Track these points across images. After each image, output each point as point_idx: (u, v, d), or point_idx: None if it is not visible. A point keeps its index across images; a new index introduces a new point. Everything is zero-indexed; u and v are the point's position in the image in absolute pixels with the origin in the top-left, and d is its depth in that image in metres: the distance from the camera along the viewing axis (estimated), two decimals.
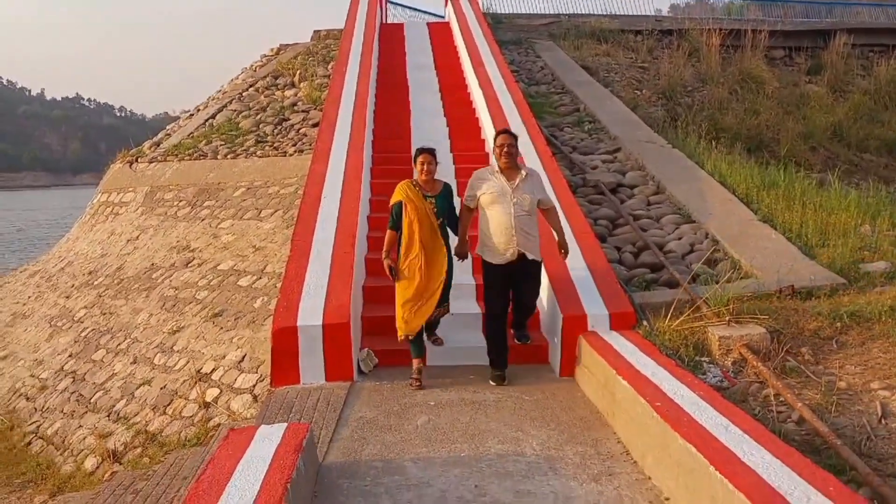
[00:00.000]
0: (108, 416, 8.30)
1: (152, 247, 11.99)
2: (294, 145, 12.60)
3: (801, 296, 6.07)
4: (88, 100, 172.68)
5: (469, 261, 6.35)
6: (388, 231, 5.97)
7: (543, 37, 18.54)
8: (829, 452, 3.82)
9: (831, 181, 9.27)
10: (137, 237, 12.77)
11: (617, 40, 18.50)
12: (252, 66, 18.56)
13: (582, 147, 11.58)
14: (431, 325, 6.28)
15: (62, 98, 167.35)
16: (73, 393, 9.26)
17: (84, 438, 8.18)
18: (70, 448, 8.23)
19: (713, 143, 11.64)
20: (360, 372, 6.31)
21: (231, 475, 3.75)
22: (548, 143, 10.47)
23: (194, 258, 10.76)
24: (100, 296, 11.50)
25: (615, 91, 14.85)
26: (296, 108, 14.29)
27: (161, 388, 8.06)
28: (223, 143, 13.81)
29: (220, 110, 15.62)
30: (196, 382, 7.70)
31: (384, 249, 5.94)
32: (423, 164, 5.91)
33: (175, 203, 12.88)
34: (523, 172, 5.87)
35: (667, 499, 3.76)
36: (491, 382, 5.88)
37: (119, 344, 9.70)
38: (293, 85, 15.63)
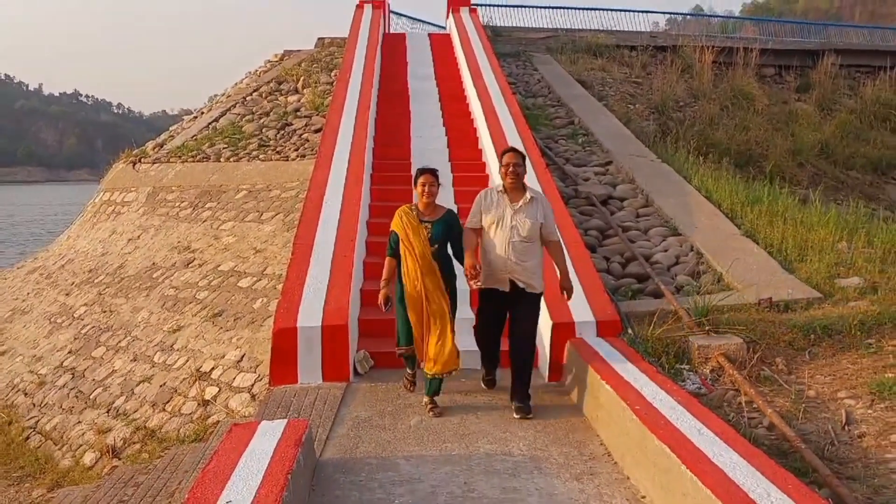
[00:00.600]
0: (108, 412, 8.50)
1: (153, 246, 12.22)
2: (296, 150, 12.88)
3: (779, 308, 6.37)
4: (87, 96, 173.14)
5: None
6: (387, 259, 5.68)
7: (541, 50, 18.88)
8: (795, 456, 4.10)
9: (813, 198, 9.55)
10: (139, 237, 12.99)
11: (612, 55, 18.85)
12: (256, 71, 18.85)
13: (575, 159, 11.88)
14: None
15: (60, 94, 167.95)
16: (72, 389, 9.44)
17: (83, 434, 8.38)
18: (69, 443, 8.42)
19: (702, 158, 11.94)
20: (357, 373, 6.57)
21: (235, 466, 4.00)
22: (542, 155, 10.78)
23: (195, 259, 10.99)
24: (100, 294, 11.71)
25: (609, 105, 15.17)
26: (298, 113, 14.56)
27: (161, 386, 8.28)
28: (226, 146, 14.07)
29: (223, 114, 15.89)
30: (195, 381, 7.93)
31: (383, 277, 5.65)
32: (424, 185, 5.52)
33: (177, 204, 13.11)
34: (528, 195, 5.46)
35: (643, 496, 4.03)
36: (483, 385, 5.98)
37: (119, 342, 9.91)
38: (296, 91, 15.92)
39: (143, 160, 15.48)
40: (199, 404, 7.47)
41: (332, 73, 16.08)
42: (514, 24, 22.38)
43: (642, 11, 24.48)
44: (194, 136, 15.48)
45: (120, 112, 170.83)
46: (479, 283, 5.48)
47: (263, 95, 16.20)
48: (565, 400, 5.79)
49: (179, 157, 14.63)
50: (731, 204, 9.07)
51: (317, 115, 14.10)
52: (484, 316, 5.74)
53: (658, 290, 7.20)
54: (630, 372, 5.07)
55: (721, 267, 7.50)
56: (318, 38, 19.54)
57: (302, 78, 16.36)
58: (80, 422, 8.61)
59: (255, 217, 11.39)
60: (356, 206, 8.48)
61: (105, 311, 11.04)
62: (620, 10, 24.13)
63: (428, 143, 11.35)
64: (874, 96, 19.15)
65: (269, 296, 8.95)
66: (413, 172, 10.42)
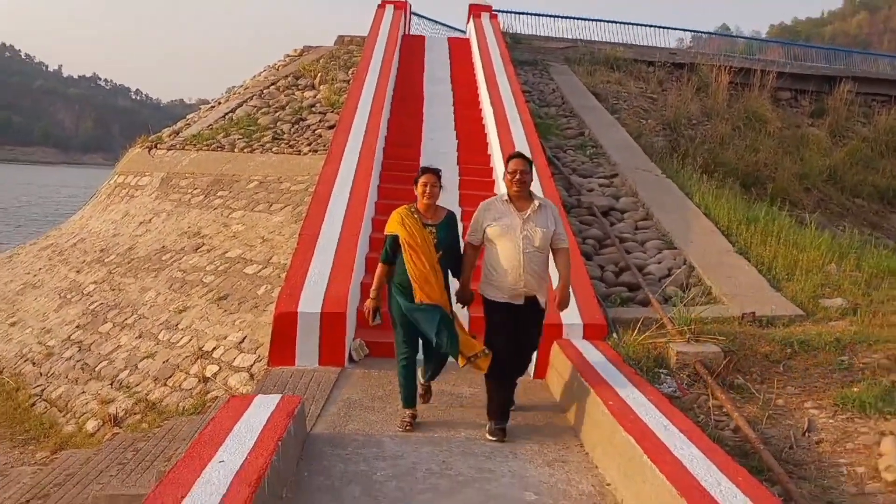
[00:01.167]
0: (111, 384, 8.82)
1: (164, 230, 12.54)
2: (309, 145, 13.17)
3: (761, 323, 6.62)
4: (105, 80, 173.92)
5: None
6: (380, 265, 5.26)
7: (559, 60, 19.10)
8: (754, 456, 4.35)
9: (809, 221, 9.77)
10: (150, 220, 13.32)
11: (629, 69, 19.05)
12: (275, 64, 19.17)
13: (582, 170, 12.12)
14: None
15: (79, 76, 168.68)
16: (78, 361, 9.77)
17: (87, 403, 8.70)
18: (73, 411, 8.75)
19: (708, 176, 12.15)
20: (352, 360, 6.83)
21: (230, 432, 4.26)
22: (549, 164, 11.03)
23: (204, 244, 11.30)
24: (110, 272, 12.04)
25: (621, 119, 15.39)
26: (314, 109, 14.86)
27: (164, 362, 8.59)
28: (241, 136, 14.38)
29: (240, 105, 16.21)
30: (197, 359, 8.23)
31: (373, 286, 5.27)
32: (425, 185, 5.13)
33: (189, 190, 13.43)
34: (536, 203, 5.09)
35: (608, 483, 4.28)
36: (489, 437, 5.03)
37: (126, 319, 10.22)
38: (313, 87, 16.22)
39: (158, 146, 15.83)
40: (199, 381, 7.77)
41: (350, 71, 16.37)
42: (534, 33, 22.57)
43: (663, 27, 24.48)
44: (210, 125, 15.82)
45: (138, 98, 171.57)
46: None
47: (280, 89, 16.51)
48: (547, 396, 6.04)
49: (195, 145, 14.96)
50: (728, 222, 9.31)
51: (332, 111, 14.38)
52: (499, 334, 5.12)
53: (647, 299, 7.45)
54: (609, 372, 5.32)
55: (711, 281, 7.74)
56: (339, 36, 19.83)
57: (319, 74, 16.66)
58: (84, 392, 8.92)
59: (265, 207, 11.68)
60: (363, 203, 8.75)
61: (114, 290, 11.36)
62: (641, 25, 24.20)
63: (439, 146, 11.61)
64: (888, 125, 19.25)
65: (273, 283, 9.24)
66: None
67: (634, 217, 10.03)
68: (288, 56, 19.52)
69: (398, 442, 4.91)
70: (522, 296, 5.02)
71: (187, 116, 18.54)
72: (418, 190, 5.20)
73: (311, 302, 6.78)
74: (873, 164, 17.80)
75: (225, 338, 8.39)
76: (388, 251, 5.20)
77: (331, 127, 13.48)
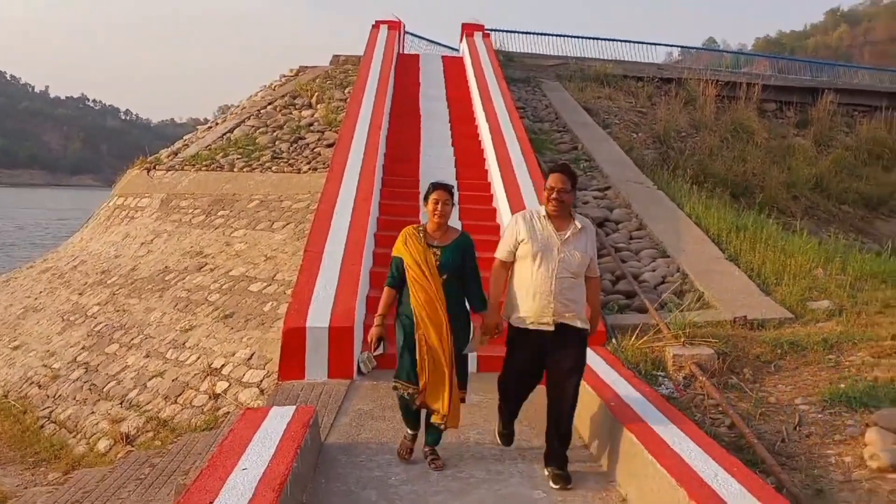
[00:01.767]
0: (121, 403, 8.97)
1: (166, 250, 12.74)
2: (308, 163, 13.43)
3: (752, 326, 6.91)
4: (94, 101, 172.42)
5: None
6: (386, 289, 4.91)
7: (551, 77, 19.46)
8: (749, 450, 4.60)
9: (796, 228, 10.08)
10: (152, 241, 13.52)
11: (619, 85, 19.43)
12: (271, 84, 19.47)
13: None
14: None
15: (66, 97, 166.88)
16: (85, 382, 9.91)
17: (97, 423, 8.84)
18: (82, 431, 8.89)
19: (698, 187, 12.47)
20: (360, 372, 7.05)
21: (249, 441, 4.48)
22: (545, 177, 11.30)
23: (207, 263, 11.51)
24: (113, 294, 12.21)
25: (613, 133, 15.71)
26: (311, 128, 15.13)
27: (173, 380, 8.77)
28: (240, 156, 14.64)
29: (238, 125, 16.48)
30: (206, 376, 8.43)
31: (379, 312, 4.87)
32: (436, 203, 4.71)
33: (190, 211, 13.65)
34: (577, 224, 4.60)
35: (611, 481, 4.52)
36: (498, 440, 5.07)
37: (132, 339, 10.40)
38: (310, 106, 16.50)
39: (157, 167, 16.07)
40: (209, 397, 7.96)
41: (346, 90, 16.67)
42: (526, 51, 22.91)
43: (650, 43, 24.90)
44: (208, 145, 16.07)
45: (127, 118, 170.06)
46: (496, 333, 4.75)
47: (278, 109, 16.79)
48: None
49: (193, 165, 15.19)
50: (718, 230, 9.62)
51: (329, 130, 14.67)
52: (517, 362, 4.73)
53: (643, 306, 7.71)
54: (609, 374, 5.57)
55: (703, 287, 8.01)
56: (334, 55, 20.16)
57: (316, 93, 16.95)
58: (93, 412, 9.07)
59: (267, 226, 11.91)
60: (365, 219, 9.01)
61: (118, 311, 11.53)
62: (629, 42, 24.62)
63: (437, 162, 11.89)
64: (869, 135, 19.75)
65: (278, 300, 9.45)
66: (421, 189, 10.99)
67: (628, 228, 10.31)
68: (284, 76, 19.83)
69: None
70: (551, 322, 4.48)
71: (185, 137, 18.78)
72: (429, 208, 4.77)
73: (319, 317, 7.01)
74: (857, 172, 18.22)
75: (233, 354, 8.59)
76: (395, 274, 4.83)
77: (329, 145, 13.75)
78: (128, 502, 5.42)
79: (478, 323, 4.80)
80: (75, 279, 13.96)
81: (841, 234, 13.99)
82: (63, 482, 7.42)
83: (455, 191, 4.93)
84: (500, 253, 4.74)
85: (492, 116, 13.17)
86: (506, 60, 19.45)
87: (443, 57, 20.13)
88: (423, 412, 4.87)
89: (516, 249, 4.61)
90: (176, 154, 16.71)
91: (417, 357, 4.69)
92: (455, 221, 5.28)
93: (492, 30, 20.65)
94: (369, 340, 4.91)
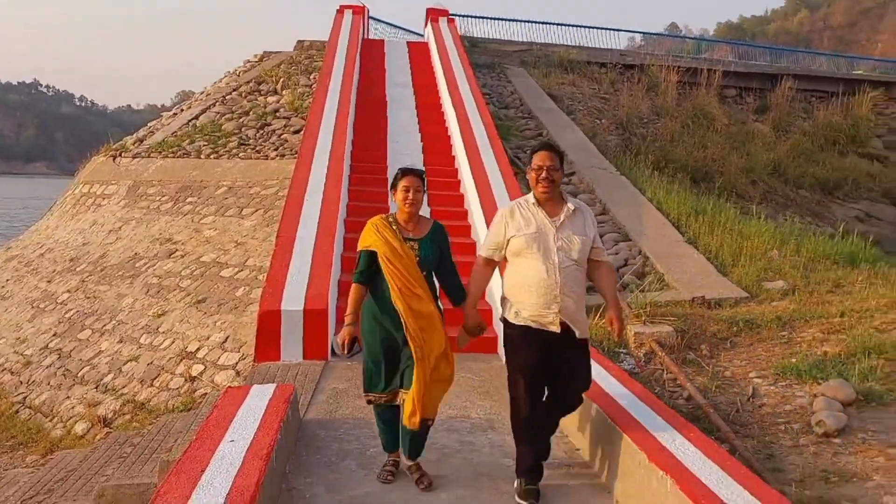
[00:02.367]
0: (97, 387, 9.09)
1: (135, 237, 12.77)
2: (275, 149, 13.53)
3: (710, 305, 7.26)
4: (47, 86, 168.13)
5: None
6: (354, 286, 4.34)
7: (515, 63, 19.67)
8: (705, 420, 4.92)
9: (753, 211, 10.47)
10: (120, 228, 13.53)
11: (582, 71, 19.69)
12: (236, 70, 19.44)
13: None
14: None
15: (18, 83, 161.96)
16: (59, 368, 9.99)
17: (73, 407, 8.95)
18: (59, 415, 8.98)
19: (659, 172, 12.82)
20: (334, 354, 7.25)
21: (234, 416, 4.67)
22: (511, 163, 11.57)
23: (177, 250, 11.59)
24: (83, 281, 12.24)
25: (577, 119, 16.01)
26: (278, 114, 15.20)
27: (148, 364, 8.90)
28: (206, 143, 14.67)
29: (203, 111, 16.48)
30: (182, 359, 8.58)
31: (348, 311, 4.34)
32: (406, 190, 4.24)
33: (158, 198, 13.68)
34: (570, 206, 4.15)
35: (577, 449, 4.81)
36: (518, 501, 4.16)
37: (105, 325, 10.47)
38: (276, 92, 16.54)
39: (123, 154, 16.03)
40: (186, 380, 8.11)
41: (312, 76, 16.75)
42: (491, 36, 23.11)
43: (613, 29, 25.22)
44: (174, 132, 16.06)
45: (82, 105, 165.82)
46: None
47: (243, 95, 16.82)
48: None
49: (160, 152, 15.20)
50: (678, 214, 9.98)
51: (296, 116, 14.76)
52: (527, 360, 4.14)
53: None
54: None
55: (664, 269, 8.36)
56: (298, 41, 20.16)
57: (281, 79, 17.00)
58: (68, 397, 9.17)
59: (236, 212, 12.01)
60: (336, 204, 9.18)
61: (89, 298, 11.57)
62: (593, 28, 24.92)
63: (404, 148, 12.07)
64: (826, 120, 20.23)
65: (250, 285, 9.60)
66: (390, 175, 11.14)
67: (592, 212, 10.60)
68: (248, 62, 19.81)
69: None
70: (558, 323, 4.00)
71: (149, 124, 18.69)
72: (398, 196, 4.28)
73: (293, 300, 7.19)
74: (814, 157, 18.73)
75: (207, 338, 8.74)
76: (364, 269, 4.28)
77: (296, 131, 13.87)
78: (112, 478, 5.57)
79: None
80: (43, 267, 13.91)
81: (797, 218, 14.48)
82: (43, 464, 7.54)
83: (425, 176, 4.47)
84: (485, 249, 4.28)
85: (458, 103, 13.36)
86: (471, 46, 19.63)
87: (408, 42, 20.21)
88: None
89: (505, 248, 4.16)
90: (141, 141, 16.66)
91: (413, 350, 4.14)
92: (424, 208, 4.76)
93: (456, 15, 20.77)
94: (340, 342, 4.36)
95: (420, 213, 4.40)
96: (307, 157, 10.47)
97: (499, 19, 24.34)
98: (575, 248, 4.06)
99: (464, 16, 22.82)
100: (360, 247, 4.34)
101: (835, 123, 20.18)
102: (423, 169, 4.53)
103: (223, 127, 15.22)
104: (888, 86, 23.17)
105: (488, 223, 9.07)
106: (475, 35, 22.42)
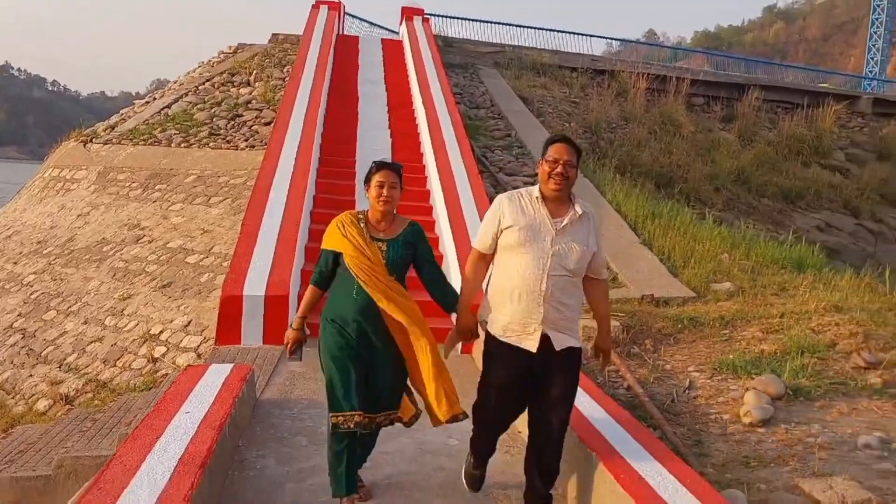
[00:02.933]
0: (60, 367, 9.18)
1: (104, 222, 12.83)
2: (246, 140, 13.66)
3: (658, 304, 7.56)
4: (18, 69, 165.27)
5: None
6: (311, 287, 4.07)
7: (488, 64, 19.94)
8: (642, 409, 5.19)
9: (708, 217, 10.83)
10: (89, 213, 13.57)
11: (554, 75, 20.03)
12: (210, 61, 19.49)
13: (508, 168, 12.97)
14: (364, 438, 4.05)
15: None
16: (23, 347, 10.05)
17: (35, 385, 9.04)
18: (21, 392, 9.06)
19: (623, 175, 13.15)
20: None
21: (191, 391, 4.86)
22: (477, 162, 11.82)
23: (145, 235, 11.68)
24: (50, 263, 12.28)
25: (546, 122, 16.30)
26: (250, 105, 15.30)
27: (112, 345, 9.01)
28: (177, 132, 14.74)
29: (176, 101, 16.52)
30: (145, 341, 8.70)
31: (298, 313, 4.12)
32: (380, 186, 3.85)
33: (127, 184, 13.74)
34: (578, 209, 3.70)
35: (519, 431, 5.05)
36: (465, 483, 4.19)
37: (70, 307, 10.55)
38: (248, 84, 16.64)
39: (94, 140, 16.04)
40: (148, 361, 8.25)
41: (285, 69, 16.88)
42: (466, 37, 23.34)
43: (585, 35, 25.58)
44: (146, 120, 16.10)
45: (55, 90, 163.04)
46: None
47: (216, 86, 16.89)
48: (472, 366, 6.78)
49: (131, 139, 15.24)
50: (636, 216, 10.29)
51: (268, 108, 14.88)
52: (498, 378, 3.76)
53: None
54: None
55: (618, 268, 8.65)
56: (273, 34, 20.25)
57: (255, 71, 17.10)
58: (31, 375, 9.25)
59: (204, 201, 12.12)
60: (302, 196, 9.37)
61: (55, 280, 11.62)
62: (566, 32, 25.28)
63: (374, 144, 12.27)
64: (791, 131, 20.73)
65: (215, 271, 9.74)
66: (358, 170, 11.33)
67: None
68: (222, 53, 19.86)
69: None
70: (538, 337, 3.58)
71: (122, 111, 18.68)
72: (371, 193, 3.88)
73: (255, 286, 7.38)
74: (778, 167, 19.19)
75: (171, 322, 8.87)
76: (324, 270, 3.96)
77: (267, 123, 14.00)
78: (72, 450, 5.72)
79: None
80: (9, 249, 13.90)
81: (759, 225, 14.87)
82: (3, 437, 7.63)
83: (402, 172, 4.02)
84: (479, 242, 3.83)
85: (428, 101, 13.58)
86: (444, 46, 19.86)
87: (382, 40, 20.40)
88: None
89: (497, 238, 3.71)
90: (113, 128, 16.67)
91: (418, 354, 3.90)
92: (426, 244, 4.14)
93: (431, 14, 20.98)
94: (286, 343, 4.11)
95: (400, 215, 4.03)
96: (276, 149, 10.64)
97: (474, 20, 24.59)
98: (572, 258, 3.60)
99: (439, 16, 23.07)
100: (322, 245, 3.97)
101: (799, 134, 20.69)
102: (401, 164, 4.00)
103: (195, 117, 15.30)
104: (852, 100, 23.83)
105: (451, 219, 9.31)
106: (450, 35, 22.64)
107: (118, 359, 8.63)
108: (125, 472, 3.47)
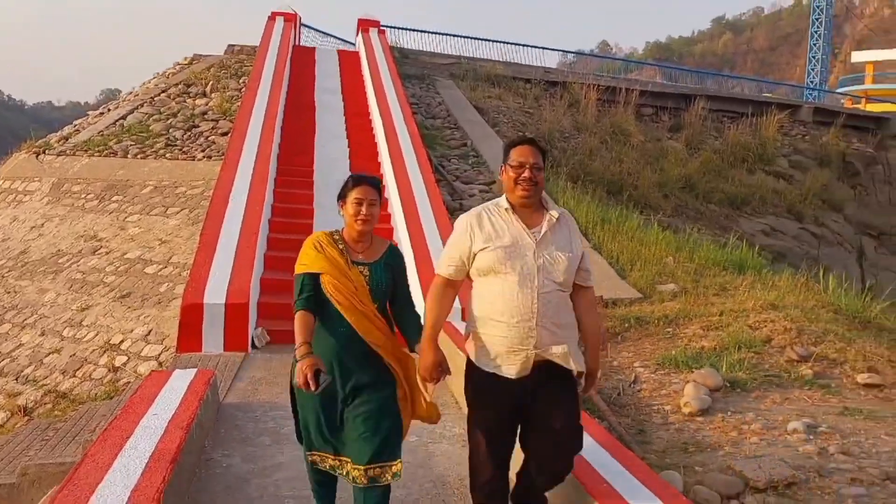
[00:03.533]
0: (17, 379, 9.16)
1: (59, 234, 12.79)
2: (203, 151, 13.73)
3: (607, 304, 7.90)
4: None
5: None
6: (299, 313, 3.37)
7: (445, 75, 20.25)
8: (589, 401, 5.47)
9: (654, 222, 11.25)
10: (42, 224, 13.50)
11: (509, 86, 20.40)
12: (165, 72, 19.47)
13: (464, 177, 13.27)
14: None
15: None
16: None
17: None
18: None
19: (575, 184, 13.54)
20: (254, 346, 7.63)
21: (157, 395, 5.01)
22: (434, 171, 12.10)
23: (102, 247, 11.68)
24: (2, 276, 12.19)
25: (501, 132, 16.63)
26: (206, 116, 15.36)
27: (71, 356, 9.04)
28: (133, 143, 14.73)
29: (131, 112, 16.49)
30: (105, 351, 8.76)
31: (299, 341, 3.28)
32: (358, 203, 3.42)
33: (83, 195, 13.70)
34: (553, 214, 3.37)
35: None
36: None
37: (26, 319, 10.51)
38: (205, 94, 16.69)
39: (46, 152, 15.93)
40: (109, 370, 8.31)
41: (241, 80, 16.97)
42: (422, 48, 23.62)
43: (538, 47, 26.14)
44: (101, 131, 16.04)
45: None
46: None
47: (172, 97, 16.90)
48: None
49: (86, 150, 15.17)
50: (586, 222, 10.64)
51: (224, 119, 14.95)
52: (488, 422, 3.40)
53: None
54: None
55: None
56: (229, 45, 20.32)
57: (211, 82, 17.16)
58: None
59: (161, 211, 12.18)
60: (260, 205, 9.52)
61: (8, 292, 11.55)
62: (520, 45, 25.79)
63: (331, 153, 12.47)
64: (736, 139, 21.39)
65: (174, 281, 9.82)
66: (317, 180, 11.49)
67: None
68: (178, 64, 19.85)
69: None
70: (530, 361, 3.22)
71: (75, 122, 18.54)
72: (347, 210, 3.45)
73: (215, 294, 7.54)
74: (724, 174, 19.84)
75: (131, 331, 8.94)
76: (308, 295, 3.38)
77: (224, 134, 14.08)
78: (36, 458, 5.80)
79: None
80: None
81: (706, 230, 15.38)
82: None
83: (381, 186, 3.65)
84: (443, 268, 3.43)
85: (385, 111, 13.82)
86: (401, 57, 20.11)
87: (339, 51, 20.61)
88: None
89: (469, 263, 3.34)
90: (66, 139, 16.57)
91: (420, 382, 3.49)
92: (403, 266, 3.72)
93: (387, 26, 21.24)
94: (302, 379, 3.16)
95: (379, 236, 3.63)
96: (234, 158, 10.78)
97: (430, 32, 24.90)
98: (559, 269, 3.25)
99: (395, 27, 23.29)
100: (297, 269, 3.45)
101: (744, 142, 21.38)
102: (379, 178, 3.62)
103: (151, 127, 15.31)
104: (794, 109, 24.70)
105: (409, 228, 9.54)
106: (406, 47, 22.89)
107: (78, 369, 8.67)
108: (98, 469, 3.63)
